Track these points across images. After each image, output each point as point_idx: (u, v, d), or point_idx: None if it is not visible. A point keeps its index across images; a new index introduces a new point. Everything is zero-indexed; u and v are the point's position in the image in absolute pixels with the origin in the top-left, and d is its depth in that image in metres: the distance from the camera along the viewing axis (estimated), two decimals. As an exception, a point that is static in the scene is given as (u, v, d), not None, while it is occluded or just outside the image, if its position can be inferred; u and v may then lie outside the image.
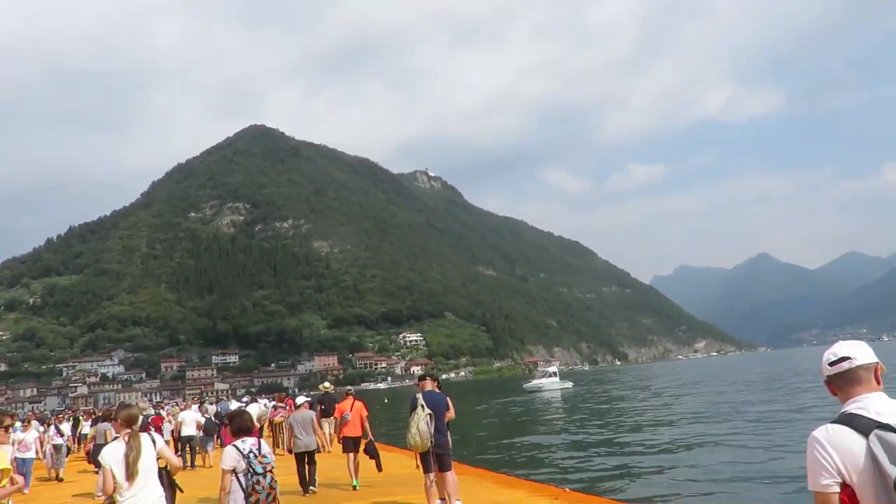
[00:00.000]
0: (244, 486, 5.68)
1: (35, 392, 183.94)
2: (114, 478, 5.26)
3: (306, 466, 11.49)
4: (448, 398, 8.93)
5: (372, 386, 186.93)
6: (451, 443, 8.87)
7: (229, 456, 5.88)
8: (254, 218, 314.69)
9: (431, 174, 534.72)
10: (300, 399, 12.75)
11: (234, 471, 5.77)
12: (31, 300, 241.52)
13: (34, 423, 20.62)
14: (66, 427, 20.85)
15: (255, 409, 19.73)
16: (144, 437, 5.58)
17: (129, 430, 5.55)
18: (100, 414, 19.66)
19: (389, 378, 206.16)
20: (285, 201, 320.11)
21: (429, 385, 9.00)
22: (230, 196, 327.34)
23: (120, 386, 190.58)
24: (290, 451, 11.80)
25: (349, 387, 15.57)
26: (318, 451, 12.19)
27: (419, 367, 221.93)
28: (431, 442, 8.27)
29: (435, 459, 8.56)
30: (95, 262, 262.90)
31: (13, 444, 14.07)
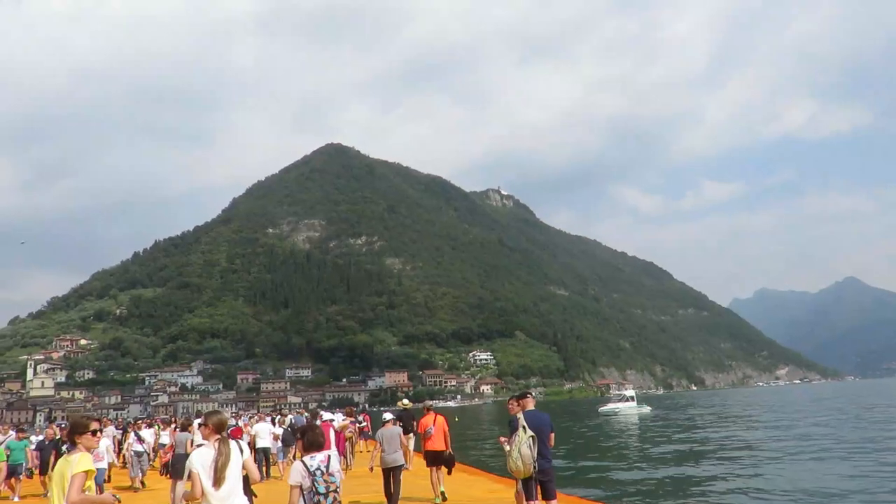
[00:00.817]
0: None
1: (119, 399, 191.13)
2: (201, 484, 5.26)
3: (391, 483, 11.54)
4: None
5: (441, 404, 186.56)
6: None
7: (296, 471, 5.70)
8: (329, 234, 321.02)
9: (504, 192, 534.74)
10: (386, 415, 12.65)
11: (301, 487, 5.58)
12: (117, 311, 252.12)
13: (109, 429, 19.79)
14: (147, 434, 19.90)
15: (339, 419, 19.70)
16: (233, 444, 5.48)
17: (219, 437, 5.45)
18: (179, 423, 19.11)
19: (459, 396, 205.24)
20: (359, 218, 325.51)
21: (530, 404, 8.46)
22: (306, 213, 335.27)
23: (198, 396, 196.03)
24: (372, 469, 12.03)
25: (430, 402, 15.69)
26: (405, 468, 12.13)
27: (489, 386, 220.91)
28: (535, 468, 7.77)
29: (537, 487, 8.04)
30: (178, 275, 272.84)
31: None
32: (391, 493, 11.46)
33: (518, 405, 8.52)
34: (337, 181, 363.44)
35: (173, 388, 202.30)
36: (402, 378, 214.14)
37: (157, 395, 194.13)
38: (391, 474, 11.53)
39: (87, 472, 4.89)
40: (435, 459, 12.25)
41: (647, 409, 71.63)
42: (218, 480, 5.22)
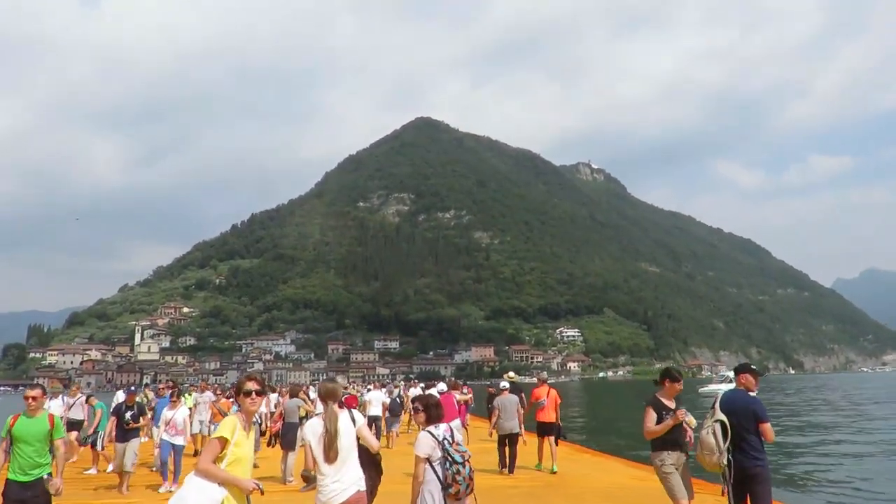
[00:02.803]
0: (440, 475, 5.29)
1: (218, 365, 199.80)
2: (313, 455, 5.19)
3: (507, 448, 12.20)
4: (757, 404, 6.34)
5: (528, 380, 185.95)
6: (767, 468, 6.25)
7: (424, 443, 5.39)
8: (418, 208, 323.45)
9: (594, 166, 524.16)
10: (503, 383, 13.38)
11: (428, 459, 5.33)
12: (217, 280, 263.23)
13: (198, 395, 17.25)
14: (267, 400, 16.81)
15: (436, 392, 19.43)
16: (344, 414, 5.31)
17: (329, 406, 5.30)
18: (288, 390, 18.83)
19: (545, 373, 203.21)
20: (448, 192, 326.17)
21: (748, 381, 6.63)
22: (396, 186, 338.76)
23: (291, 364, 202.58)
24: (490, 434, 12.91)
25: (545, 373, 15.92)
26: (520, 435, 12.42)
27: (576, 364, 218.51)
28: (725, 464, 6.03)
29: (739, 490, 6.15)
30: (273, 246, 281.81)
31: (162, 425, 11.86)
32: (505, 459, 12.14)
33: (742, 380, 6.66)
34: (427, 155, 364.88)
35: (268, 356, 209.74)
36: (488, 352, 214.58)
37: (252, 363, 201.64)
38: (507, 440, 12.16)
39: (222, 440, 4.28)
40: (546, 430, 12.60)
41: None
42: (329, 452, 5.06)
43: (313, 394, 19.26)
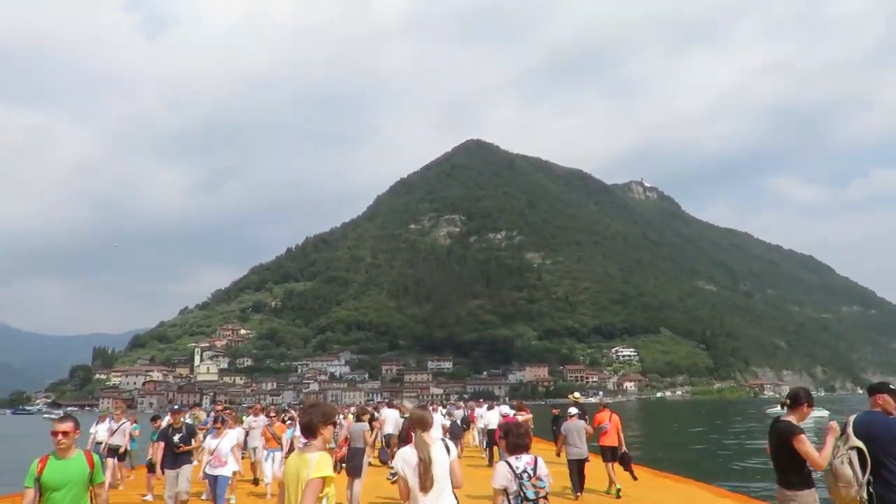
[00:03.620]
0: None
1: (275, 386, 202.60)
2: (408, 486, 5.02)
3: (577, 473, 12.34)
4: None
5: (583, 400, 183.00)
6: None
7: (501, 475, 5.19)
8: (469, 230, 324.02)
9: (647, 184, 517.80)
10: (572, 410, 13.39)
11: (505, 491, 5.14)
12: (272, 303, 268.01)
13: (252, 418, 15.86)
14: None
15: (493, 416, 19.40)
16: (438, 443, 5.18)
17: (419, 434, 5.17)
18: (355, 412, 18.20)
19: (601, 393, 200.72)
20: (499, 213, 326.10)
21: (887, 402, 5.50)
22: (447, 209, 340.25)
23: (346, 385, 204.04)
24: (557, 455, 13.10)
25: (606, 399, 15.81)
26: (587, 461, 12.61)
27: (632, 383, 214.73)
28: (866, 497, 5.13)
29: None
30: (326, 269, 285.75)
31: (204, 453, 10.96)
32: (576, 483, 12.29)
33: (879, 401, 5.55)
34: (478, 177, 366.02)
35: (323, 377, 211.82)
36: (542, 372, 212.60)
37: (308, 383, 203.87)
38: (576, 465, 12.30)
39: (325, 479, 4.17)
40: (610, 455, 12.81)
41: (823, 413, 65.59)
42: (425, 482, 4.90)
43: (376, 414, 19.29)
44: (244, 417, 17.16)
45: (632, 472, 13.25)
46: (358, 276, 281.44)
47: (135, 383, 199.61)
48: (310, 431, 4.44)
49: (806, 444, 5.25)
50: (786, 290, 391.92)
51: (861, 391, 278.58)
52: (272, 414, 16.51)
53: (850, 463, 5.18)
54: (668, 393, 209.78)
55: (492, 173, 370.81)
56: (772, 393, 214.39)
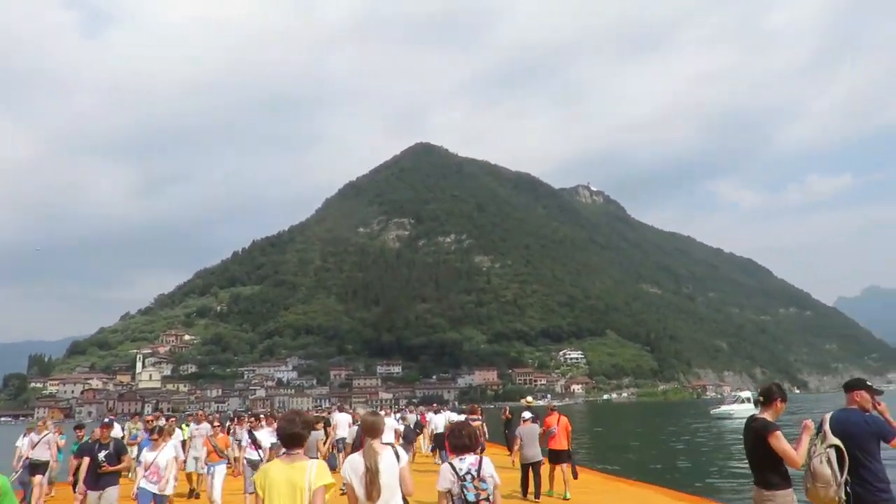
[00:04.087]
0: None
1: (220, 393, 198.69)
2: (355, 495, 4.93)
3: (530, 476, 12.53)
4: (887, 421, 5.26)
5: (535, 403, 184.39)
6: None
7: (444, 477, 5.17)
8: (418, 233, 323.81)
9: (593, 189, 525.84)
10: (526, 414, 13.55)
11: (450, 493, 5.10)
12: (218, 308, 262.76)
13: (194, 426, 14.61)
14: (265, 435, 12.40)
15: (441, 420, 19.31)
16: (388, 451, 5.10)
17: (369, 442, 5.10)
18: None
19: (549, 395, 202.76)
20: (448, 217, 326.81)
21: (864, 399, 5.34)
22: (396, 212, 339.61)
23: (293, 391, 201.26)
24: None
25: (554, 403, 16.16)
26: (542, 464, 12.79)
27: (580, 386, 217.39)
28: (845, 497, 5.00)
29: None
30: (274, 273, 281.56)
31: (140, 468, 9.70)
32: (527, 485, 12.50)
33: (856, 398, 5.37)
34: (426, 180, 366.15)
35: (270, 383, 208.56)
36: (491, 376, 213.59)
37: (255, 389, 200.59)
38: (530, 468, 12.48)
39: (327, 486, 4.25)
40: (557, 458, 12.92)
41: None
42: (371, 491, 4.81)
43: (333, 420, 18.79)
44: (185, 426, 16.10)
45: (574, 472, 13.67)
46: (306, 279, 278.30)
47: (73, 392, 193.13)
48: (295, 441, 4.43)
49: (782, 442, 5.12)
50: (726, 293, 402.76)
51: (798, 391, 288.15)
52: (216, 423, 14.94)
53: (829, 462, 5.01)
54: (614, 395, 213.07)
55: (440, 177, 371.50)
56: (714, 394, 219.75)
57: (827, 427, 5.18)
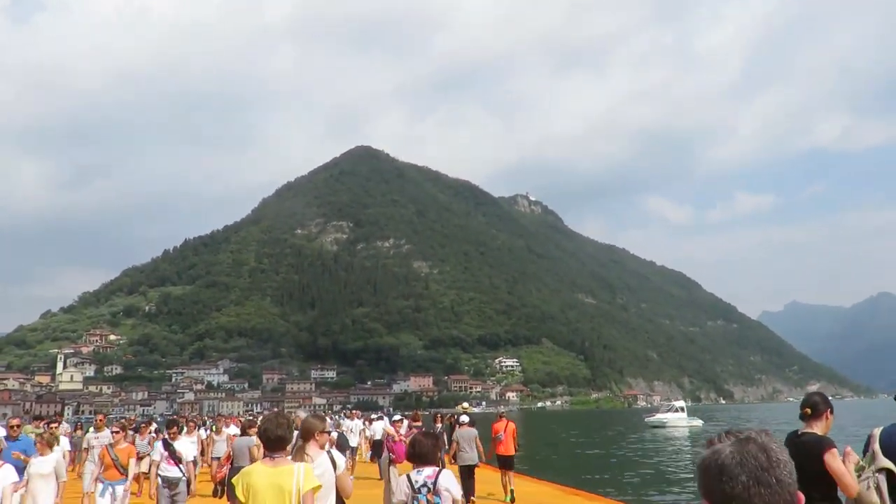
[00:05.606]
0: None
1: (146, 396, 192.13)
2: None
3: (468, 479, 12.60)
4: None
5: (472, 410, 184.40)
6: None
7: (400, 489, 5.17)
8: (357, 237, 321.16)
9: (532, 198, 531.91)
10: (464, 418, 13.64)
11: None
12: (146, 307, 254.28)
13: (92, 435, 13.05)
14: (186, 445, 10.44)
15: (379, 427, 18.56)
16: (323, 456, 5.11)
17: (304, 446, 5.14)
18: (241, 425, 15.05)
19: (483, 403, 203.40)
20: (388, 221, 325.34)
21: None
22: (335, 215, 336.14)
23: (224, 394, 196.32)
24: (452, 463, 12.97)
25: (502, 408, 15.88)
26: (477, 466, 13.10)
27: (514, 393, 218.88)
28: None
29: None
30: (207, 273, 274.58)
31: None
32: (467, 489, 12.25)
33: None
34: (366, 184, 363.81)
35: (199, 386, 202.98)
36: (427, 382, 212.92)
37: (183, 393, 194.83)
38: (467, 471, 12.65)
39: (315, 489, 4.25)
40: (506, 463, 13.44)
41: (698, 423, 68.34)
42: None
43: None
44: (86, 432, 14.26)
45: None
46: (240, 280, 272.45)
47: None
48: (278, 444, 4.36)
49: (839, 461, 4.32)
50: (657, 305, 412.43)
51: (724, 401, 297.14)
52: (114, 429, 11.34)
53: (878, 488, 4.14)
54: (548, 403, 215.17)
55: (380, 180, 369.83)
56: (644, 403, 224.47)
57: (876, 446, 4.28)
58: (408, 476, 5.03)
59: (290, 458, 4.39)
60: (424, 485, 4.88)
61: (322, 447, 5.16)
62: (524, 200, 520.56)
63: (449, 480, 4.95)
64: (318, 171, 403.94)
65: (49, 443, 9.10)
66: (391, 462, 12.28)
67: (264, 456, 4.39)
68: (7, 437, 10.32)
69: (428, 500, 4.81)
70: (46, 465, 8.65)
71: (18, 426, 10.21)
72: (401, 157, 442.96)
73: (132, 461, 10.40)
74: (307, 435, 5.04)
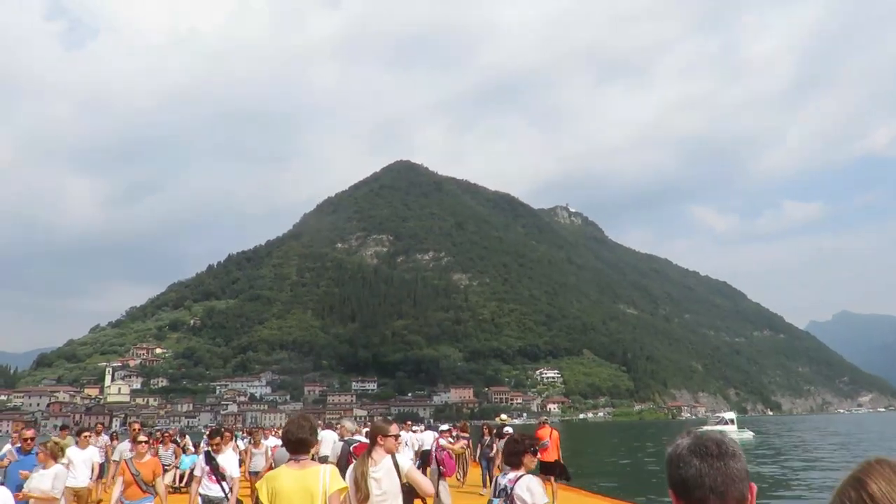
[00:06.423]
0: None
1: (191, 407, 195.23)
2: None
3: None
4: None
5: (510, 421, 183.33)
6: None
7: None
8: (396, 250, 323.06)
9: (572, 210, 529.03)
10: (507, 429, 14.43)
11: None
12: (191, 321, 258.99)
13: (76, 448, 10.75)
14: (230, 460, 8.91)
15: (429, 437, 18.23)
16: (386, 458, 5.28)
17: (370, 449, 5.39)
18: (277, 437, 14.23)
19: (525, 414, 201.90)
20: (427, 234, 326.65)
21: None
22: (375, 228, 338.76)
23: (266, 406, 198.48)
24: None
25: (545, 417, 16.13)
26: None
27: (556, 405, 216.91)
28: None
29: None
30: (250, 287, 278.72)
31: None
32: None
33: None
34: (406, 198, 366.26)
35: (242, 398, 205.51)
36: (467, 394, 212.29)
37: (226, 405, 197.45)
38: None
39: (340, 490, 4.30)
40: (548, 470, 13.21)
41: (748, 435, 66.07)
42: (357, 495, 5.02)
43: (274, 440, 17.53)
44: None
45: (566, 478, 14.26)
46: (282, 294, 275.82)
47: (38, 404, 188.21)
48: (302, 447, 4.41)
49: None
50: (701, 315, 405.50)
51: (771, 412, 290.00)
52: (140, 437, 9.54)
53: None
54: (590, 414, 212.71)
55: (420, 194, 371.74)
56: (689, 415, 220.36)
57: None
58: (496, 478, 5.06)
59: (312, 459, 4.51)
60: (504, 489, 4.78)
61: (389, 451, 5.28)
62: (563, 212, 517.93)
63: (526, 488, 4.76)
64: (359, 185, 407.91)
65: (53, 453, 8.20)
66: (441, 475, 11.78)
67: (289, 459, 4.45)
68: (20, 450, 9.48)
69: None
70: (46, 479, 7.91)
71: (32, 439, 9.23)
72: (440, 170, 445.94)
73: (159, 479, 8.95)
74: (372, 438, 5.23)
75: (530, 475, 4.95)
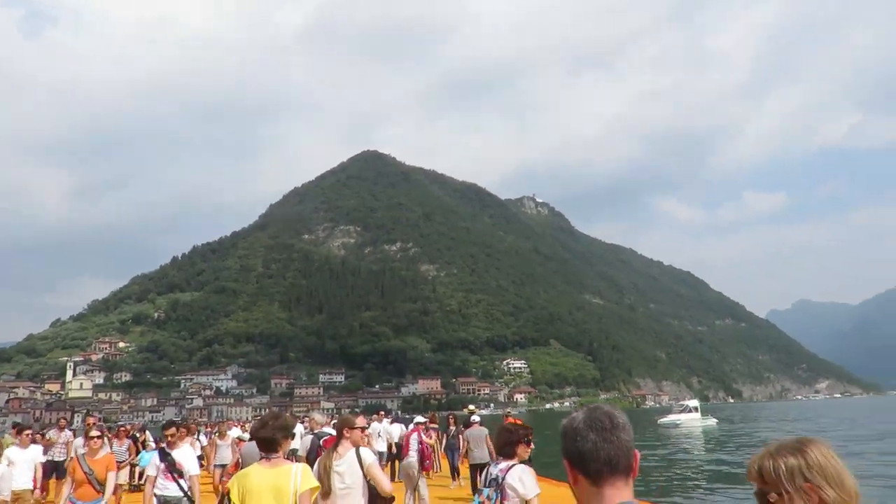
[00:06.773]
0: None
1: (155, 402, 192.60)
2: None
3: (479, 477, 12.26)
4: None
5: (479, 412, 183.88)
6: None
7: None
8: (364, 241, 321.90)
9: (539, 200, 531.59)
10: (474, 418, 14.11)
11: None
12: (155, 314, 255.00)
13: (18, 447, 9.98)
14: (187, 455, 7.91)
15: (397, 429, 18.35)
16: (350, 452, 5.22)
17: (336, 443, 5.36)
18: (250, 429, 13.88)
19: (492, 405, 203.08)
20: (394, 225, 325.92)
21: None
22: (342, 219, 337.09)
23: (232, 400, 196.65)
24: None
25: (511, 409, 15.93)
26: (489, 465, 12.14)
27: (522, 395, 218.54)
28: None
29: None
30: (215, 279, 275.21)
31: None
32: (478, 487, 12.03)
33: None
34: (373, 188, 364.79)
35: (208, 392, 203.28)
36: (435, 385, 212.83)
37: (192, 399, 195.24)
38: (478, 470, 12.22)
39: (312, 489, 4.25)
40: None
41: (712, 422, 67.42)
42: (324, 493, 4.96)
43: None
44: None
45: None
46: (248, 286, 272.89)
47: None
48: (271, 445, 4.33)
49: None
50: (666, 305, 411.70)
51: (732, 400, 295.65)
52: (92, 432, 8.60)
53: None
54: (556, 404, 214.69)
55: (387, 184, 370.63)
56: (653, 403, 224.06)
57: None
58: (488, 467, 5.03)
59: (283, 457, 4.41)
60: (495, 478, 4.70)
61: (355, 444, 5.26)
62: (531, 202, 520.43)
63: (518, 478, 4.66)
64: (325, 176, 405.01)
65: None
66: (423, 469, 11.55)
67: (260, 458, 4.36)
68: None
69: (488, 496, 4.65)
70: None
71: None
72: (408, 160, 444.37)
73: (111, 475, 8.05)
74: (339, 431, 5.21)
75: (523, 465, 4.87)
